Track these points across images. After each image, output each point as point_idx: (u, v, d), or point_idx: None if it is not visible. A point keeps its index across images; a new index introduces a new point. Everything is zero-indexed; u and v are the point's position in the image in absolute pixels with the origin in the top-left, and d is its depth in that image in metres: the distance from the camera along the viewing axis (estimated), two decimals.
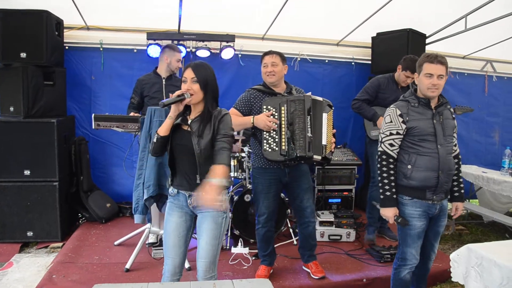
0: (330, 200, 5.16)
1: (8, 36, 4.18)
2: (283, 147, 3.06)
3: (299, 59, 5.59)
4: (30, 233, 4.31)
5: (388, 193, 2.73)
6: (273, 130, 3.09)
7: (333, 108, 3.23)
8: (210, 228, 2.47)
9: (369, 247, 4.14)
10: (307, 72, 5.66)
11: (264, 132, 3.13)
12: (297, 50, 5.54)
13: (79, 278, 3.40)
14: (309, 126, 3.06)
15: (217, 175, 2.32)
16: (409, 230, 2.75)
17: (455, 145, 2.86)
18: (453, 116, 2.81)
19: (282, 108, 3.08)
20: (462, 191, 2.88)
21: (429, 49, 5.29)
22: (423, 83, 2.69)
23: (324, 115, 3.13)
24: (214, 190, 2.27)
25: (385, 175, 2.75)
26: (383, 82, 4.21)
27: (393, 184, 2.73)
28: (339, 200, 5.18)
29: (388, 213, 2.75)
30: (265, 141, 3.12)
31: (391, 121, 2.76)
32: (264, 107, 3.14)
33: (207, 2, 4.65)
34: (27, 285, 3.44)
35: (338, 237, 4.36)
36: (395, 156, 2.75)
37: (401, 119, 2.72)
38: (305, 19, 5.09)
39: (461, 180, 2.88)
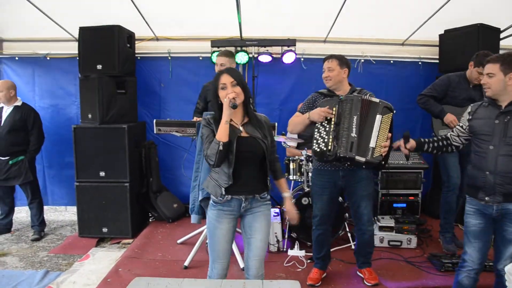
0: (394, 205, 4.98)
1: (86, 50, 4.65)
2: (329, 147, 3.02)
3: (362, 60, 5.46)
4: (105, 229, 4.72)
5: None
6: (324, 130, 3.06)
7: (393, 111, 3.07)
8: (263, 226, 2.60)
9: (430, 255, 3.93)
10: (372, 73, 5.49)
11: (315, 132, 3.13)
12: (360, 52, 5.41)
13: (142, 273, 3.66)
14: (354, 126, 2.98)
15: (287, 189, 2.76)
16: (466, 227, 2.79)
17: None
18: None
19: (334, 108, 3.04)
20: None
21: (504, 44, 4.88)
22: None
23: (378, 117, 2.99)
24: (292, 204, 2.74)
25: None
26: (454, 80, 4.01)
27: (430, 139, 2.98)
28: (404, 205, 4.97)
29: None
30: (315, 141, 3.11)
31: (463, 116, 2.87)
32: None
33: (266, 8, 4.73)
34: (99, 276, 3.75)
35: (398, 243, 4.20)
36: (449, 137, 2.94)
37: (468, 116, 2.80)
38: (367, 20, 4.96)
39: None
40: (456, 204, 4.12)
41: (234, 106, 2.38)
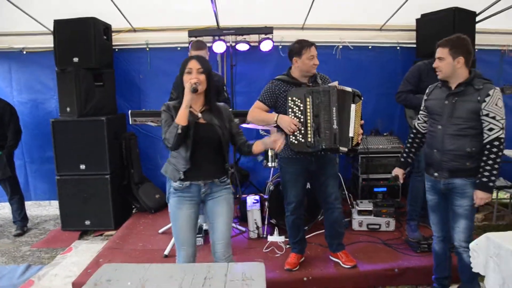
0: (375, 189, 5.06)
1: (62, 43, 4.63)
2: (309, 139, 3.03)
3: (340, 46, 5.47)
4: (87, 222, 4.75)
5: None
6: (299, 121, 3.03)
7: (362, 98, 3.13)
8: (226, 211, 2.68)
9: (407, 237, 3.99)
10: (350, 59, 5.52)
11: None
12: (338, 38, 5.43)
13: (122, 262, 3.67)
14: (334, 118, 3.01)
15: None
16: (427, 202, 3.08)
17: (489, 130, 2.61)
18: (481, 98, 2.61)
19: (308, 99, 3.03)
20: (484, 179, 2.63)
21: (479, 27, 4.93)
22: None
23: (352, 106, 3.05)
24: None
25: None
26: (424, 70, 3.93)
27: (406, 150, 3.16)
28: (384, 189, 5.06)
29: (394, 171, 3.22)
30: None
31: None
32: (289, 98, 3.08)
33: None
34: (81, 268, 3.77)
35: (377, 227, 4.26)
36: (418, 128, 3.08)
37: (425, 97, 2.97)
38: (344, 5, 4.98)
39: (487, 168, 2.63)
40: (423, 192, 4.13)
41: (194, 90, 2.45)
